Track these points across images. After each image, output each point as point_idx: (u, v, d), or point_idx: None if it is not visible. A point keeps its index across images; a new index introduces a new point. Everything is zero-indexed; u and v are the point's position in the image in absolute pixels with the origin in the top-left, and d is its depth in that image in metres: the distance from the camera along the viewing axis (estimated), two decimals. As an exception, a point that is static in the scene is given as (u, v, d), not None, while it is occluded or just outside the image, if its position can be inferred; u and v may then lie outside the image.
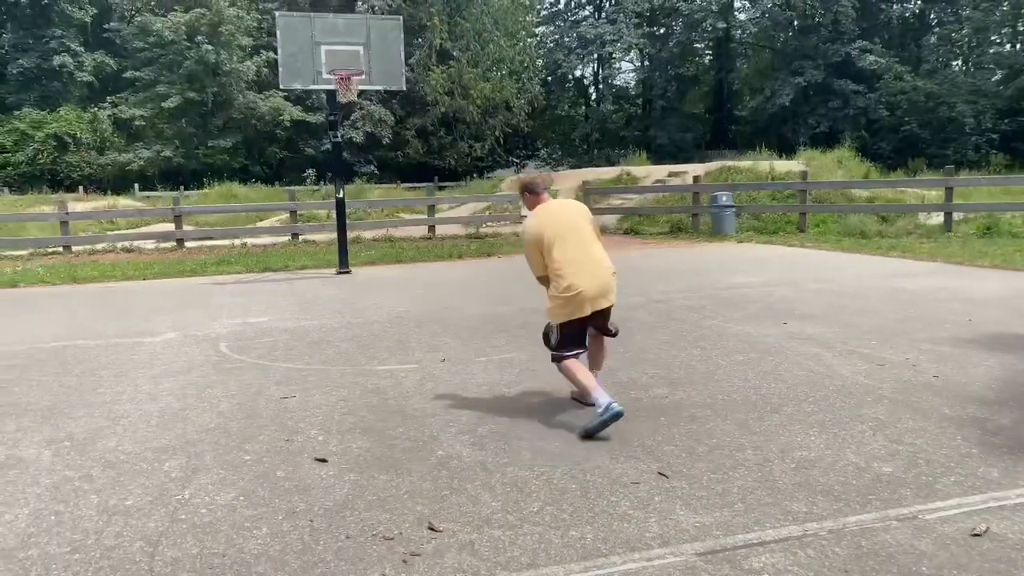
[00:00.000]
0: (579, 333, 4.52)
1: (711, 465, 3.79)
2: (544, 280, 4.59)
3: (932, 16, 42.75)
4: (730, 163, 20.32)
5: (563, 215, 4.57)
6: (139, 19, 36.65)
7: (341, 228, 12.21)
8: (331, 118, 11.88)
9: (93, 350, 6.89)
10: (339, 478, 3.77)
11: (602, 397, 4.22)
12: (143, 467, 3.99)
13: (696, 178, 17.37)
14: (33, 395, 5.41)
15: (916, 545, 2.95)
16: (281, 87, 11.44)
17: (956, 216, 14.98)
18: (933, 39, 42.73)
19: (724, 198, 15.86)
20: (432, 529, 3.19)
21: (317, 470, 3.88)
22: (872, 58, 37.03)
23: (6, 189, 31.25)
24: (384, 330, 7.42)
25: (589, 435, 4.20)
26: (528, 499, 3.46)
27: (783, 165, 19.80)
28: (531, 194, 4.68)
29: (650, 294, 9.03)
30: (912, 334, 6.53)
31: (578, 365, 4.46)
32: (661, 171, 21.33)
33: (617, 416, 4.16)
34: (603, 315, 4.55)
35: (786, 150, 27.35)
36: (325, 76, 10.99)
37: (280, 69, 11.08)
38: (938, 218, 15.50)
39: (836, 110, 39.23)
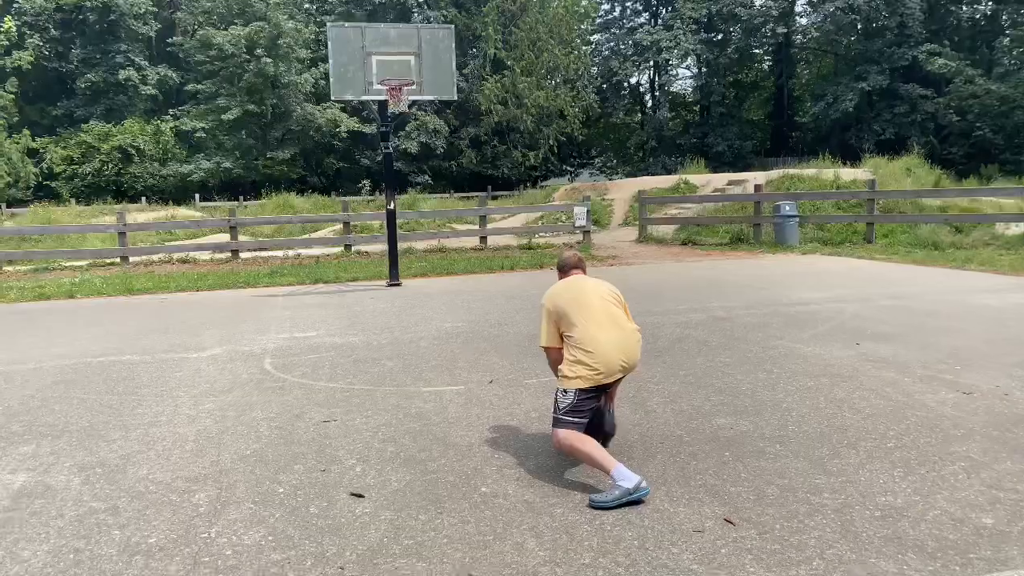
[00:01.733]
0: (594, 400, 3.91)
1: (784, 511, 3.41)
2: (551, 352, 4.11)
3: (1005, 17, 41.04)
4: (792, 171, 19.68)
5: (589, 286, 4.14)
6: (201, 33, 37.50)
7: (392, 240, 12.06)
8: (382, 129, 11.73)
9: (139, 366, 6.79)
10: (375, 516, 3.49)
11: (629, 475, 3.54)
12: (172, 499, 3.78)
13: (758, 187, 16.81)
14: (73, 414, 5.29)
15: (1032, 620, 2.54)
16: (332, 98, 11.35)
17: (1038, 226, 14.15)
18: (1006, 41, 41.04)
19: (787, 207, 15.28)
20: (472, 582, 2.89)
21: (352, 506, 3.62)
22: (941, 61, 35.67)
23: (73, 200, 32.17)
24: (431, 348, 7.17)
25: (599, 507, 3.49)
26: (579, 548, 3.13)
27: (848, 173, 19.07)
28: (560, 271, 4.39)
29: (711, 310, 8.60)
30: (1000, 358, 6.00)
31: (582, 436, 3.76)
32: (720, 179, 20.79)
33: (642, 499, 3.52)
34: (619, 380, 4.04)
35: (850, 157, 26.51)
36: (376, 86, 10.86)
37: (331, 80, 10.98)
38: (1018, 228, 14.67)
39: (902, 116, 37.98)
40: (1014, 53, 41.60)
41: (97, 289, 12.37)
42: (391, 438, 4.58)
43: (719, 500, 3.54)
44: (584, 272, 4.36)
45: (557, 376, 3.98)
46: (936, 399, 4.98)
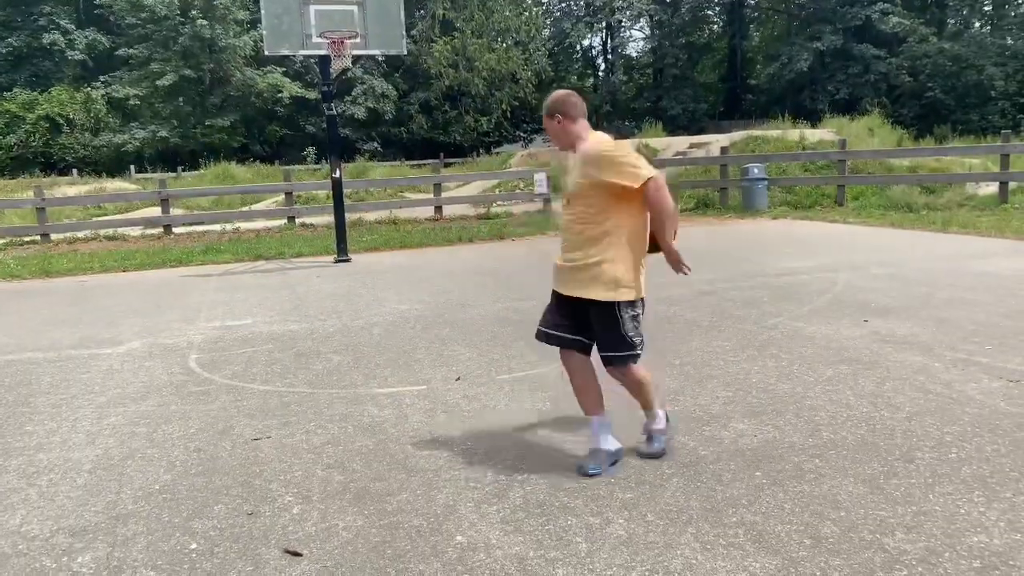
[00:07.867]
0: (552, 311, 3.57)
1: (853, 562, 2.61)
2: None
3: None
4: (757, 133, 19.01)
5: None
6: (130, -6, 35.24)
7: (339, 211, 11.04)
8: (324, 89, 10.63)
9: (41, 366, 5.77)
10: (316, 588, 2.62)
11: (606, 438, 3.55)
12: (45, 565, 2.84)
13: (724, 149, 16.09)
14: (-58, 437, 4.28)
15: None
16: (266, 53, 10.18)
17: (1011, 185, 13.68)
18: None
19: (756, 170, 14.58)
20: None
21: (287, 570, 2.73)
22: (895, 20, 35.34)
23: (-4, 174, 30.09)
24: (386, 336, 6.26)
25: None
26: (595, 632, 2.31)
27: (814, 134, 18.48)
28: (568, 119, 3.36)
29: (693, 283, 7.81)
30: (1030, 335, 5.33)
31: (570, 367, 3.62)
32: (681, 142, 20.06)
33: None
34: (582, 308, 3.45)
35: (805, 118, 25.98)
36: (315, 40, 9.75)
37: (264, 33, 9.86)
38: (989, 188, 14.23)
39: (856, 76, 37.67)
40: (963, 12, 41.56)
41: (11, 271, 11.13)
42: (339, 462, 3.69)
43: (766, 547, 2.74)
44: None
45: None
46: (980, 389, 4.26)
